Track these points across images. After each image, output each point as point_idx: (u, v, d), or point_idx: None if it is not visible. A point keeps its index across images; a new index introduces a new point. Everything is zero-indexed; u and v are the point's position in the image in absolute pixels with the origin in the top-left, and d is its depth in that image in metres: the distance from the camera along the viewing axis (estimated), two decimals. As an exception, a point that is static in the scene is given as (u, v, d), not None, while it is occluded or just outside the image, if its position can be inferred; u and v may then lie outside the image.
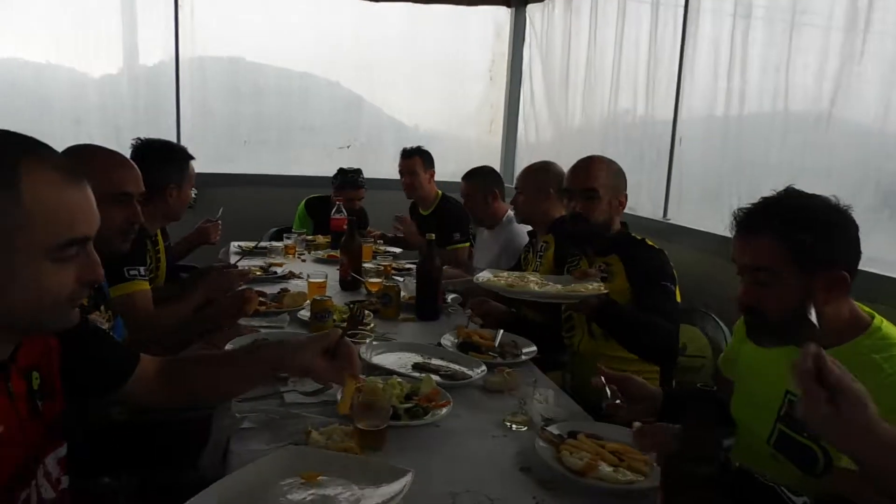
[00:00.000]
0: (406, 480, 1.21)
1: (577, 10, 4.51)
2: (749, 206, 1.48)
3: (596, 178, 2.30)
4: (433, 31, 5.24)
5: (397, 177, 5.11)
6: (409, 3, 5.06)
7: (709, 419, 1.04)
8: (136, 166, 1.96)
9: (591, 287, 2.12)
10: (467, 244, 4.02)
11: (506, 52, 5.37)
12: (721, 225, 2.66)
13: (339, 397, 1.68)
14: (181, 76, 4.92)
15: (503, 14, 5.32)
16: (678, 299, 2.25)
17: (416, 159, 4.12)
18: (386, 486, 1.21)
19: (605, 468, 1.39)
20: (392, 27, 5.17)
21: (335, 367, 1.40)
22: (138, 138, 2.67)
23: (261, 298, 2.50)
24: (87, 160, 1.80)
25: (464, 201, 3.64)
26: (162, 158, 2.60)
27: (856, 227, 1.41)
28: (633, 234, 2.36)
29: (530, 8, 5.14)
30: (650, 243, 2.33)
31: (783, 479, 1.42)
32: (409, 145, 4.27)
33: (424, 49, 5.25)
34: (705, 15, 3.36)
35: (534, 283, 2.24)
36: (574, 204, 2.33)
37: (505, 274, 2.40)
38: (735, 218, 1.48)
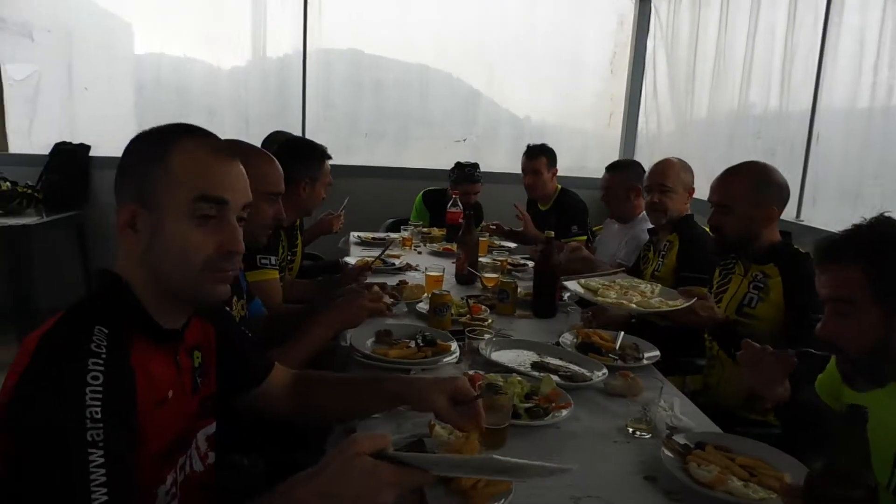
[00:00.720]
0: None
1: (706, 2, 4.33)
2: (836, 234, 1.40)
3: (730, 193, 2.18)
4: (553, 22, 5.18)
5: (513, 171, 5.12)
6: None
7: (862, 439, 0.98)
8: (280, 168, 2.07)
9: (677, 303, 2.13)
10: (584, 238, 3.97)
11: (628, 43, 5.22)
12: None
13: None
14: (307, 69, 5.12)
15: (626, 5, 5.19)
16: None
17: (541, 159, 4.09)
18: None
19: (735, 482, 1.35)
20: (511, 20, 5.15)
21: (461, 413, 1.36)
22: (279, 131, 2.79)
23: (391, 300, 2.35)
24: (250, 159, 1.93)
25: (603, 193, 3.55)
26: (299, 155, 2.71)
27: None
28: (797, 248, 2.18)
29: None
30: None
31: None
32: (525, 139, 4.26)
33: (543, 42, 5.20)
34: (852, 1, 3.14)
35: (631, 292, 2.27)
36: (711, 215, 2.25)
37: (597, 281, 2.40)
38: (818, 247, 1.39)
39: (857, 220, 1.40)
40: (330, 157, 2.89)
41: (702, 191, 3.08)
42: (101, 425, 0.96)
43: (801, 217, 3.29)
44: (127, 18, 5.08)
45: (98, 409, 0.96)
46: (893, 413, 1.33)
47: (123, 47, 5.14)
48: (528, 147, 4.16)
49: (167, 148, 1.12)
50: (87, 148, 4.89)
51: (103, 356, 1.01)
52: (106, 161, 4.83)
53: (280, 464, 1.99)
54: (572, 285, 2.42)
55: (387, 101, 5.36)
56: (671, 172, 2.89)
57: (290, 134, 3.78)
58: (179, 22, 4.95)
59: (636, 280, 2.45)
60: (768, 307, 2.12)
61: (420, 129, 5.45)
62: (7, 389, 1.00)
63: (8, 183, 4.51)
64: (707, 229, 2.81)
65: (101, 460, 0.95)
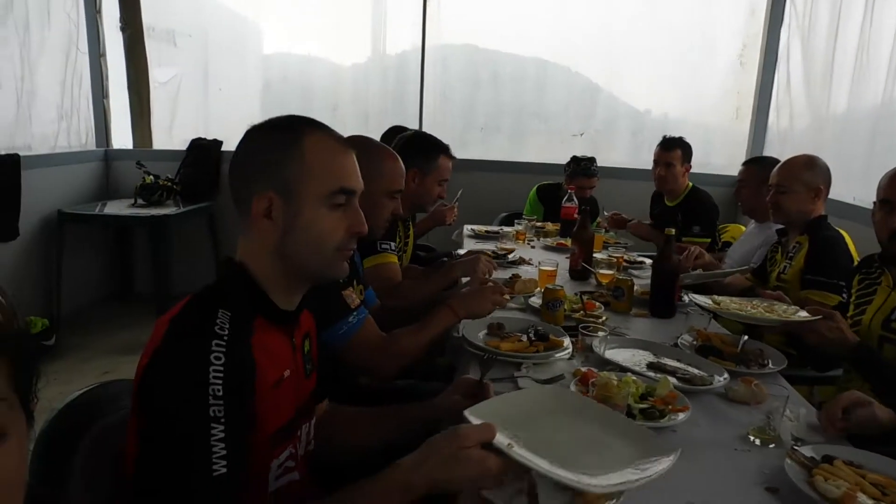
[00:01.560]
0: (671, 460, 1.14)
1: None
2: None
3: None
4: (677, 13, 5.00)
5: (630, 166, 5.00)
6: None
7: None
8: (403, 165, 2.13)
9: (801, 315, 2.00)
10: (707, 240, 3.81)
11: (760, 34, 4.95)
12: None
13: (572, 386, 1.71)
14: (425, 64, 5.21)
15: (759, -7, 4.91)
16: None
17: (676, 152, 3.97)
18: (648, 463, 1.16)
19: (866, 500, 1.26)
20: (632, 10, 5.02)
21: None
22: (395, 127, 2.87)
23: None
24: (377, 156, 2.02)
25: (737, 187, 3.43)
26: (414, 147, 2.77)
27: None
28: None
29: (791, -13, 4.70)
30: None
31: None
32: (645, 134, 4.16)
33: (667, 34, 5.02)
34: None
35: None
36: (883, 216, 2.01)
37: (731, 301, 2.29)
38: None
39: None
40: (450, 155, 2.92)
41: (837, 190, 2.90)
42: (222, 402, 1.03)
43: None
44: (256, 20, 5.38)
45: (220, 387, 1.04)
46: None
47: (253, 48, 5.45)
48: (664, 138, 4.05)
49: (300, 140, 1.21)
50: (220, 143, 5.22)
51: (226, 338, 1.09)
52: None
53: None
54: (701, 299, 2.32)
55: (503, 95, 5.36)
56: (788, 170, 2.71)
57: (407, 128, 3.86)
58: (304, 22, 5.18)
59: (775, 303, 2.28)
60: None
61: (536, 122, 5.42)
62: (140, 370, 1.09)
63: (151, 176, 4.89)
64: (842, 232, 2.64)
65: (222, 435, 1.02)
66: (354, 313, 1.83)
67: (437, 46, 5.21)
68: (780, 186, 2.69)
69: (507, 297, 2.04)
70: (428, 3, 5.10)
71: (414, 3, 5.11)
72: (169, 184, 4.94)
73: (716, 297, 2.31)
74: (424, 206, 2.93)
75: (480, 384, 1.55)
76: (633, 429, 1.28)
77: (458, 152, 5.20)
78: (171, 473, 1.02)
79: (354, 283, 2.08)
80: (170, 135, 5.41)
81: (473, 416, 1.13)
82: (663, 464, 1.13)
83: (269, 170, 1.20)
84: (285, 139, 1.22)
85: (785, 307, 2.14)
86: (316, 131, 1.24)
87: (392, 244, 2.50)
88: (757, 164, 3.37)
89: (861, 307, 2.16)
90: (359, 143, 1.87)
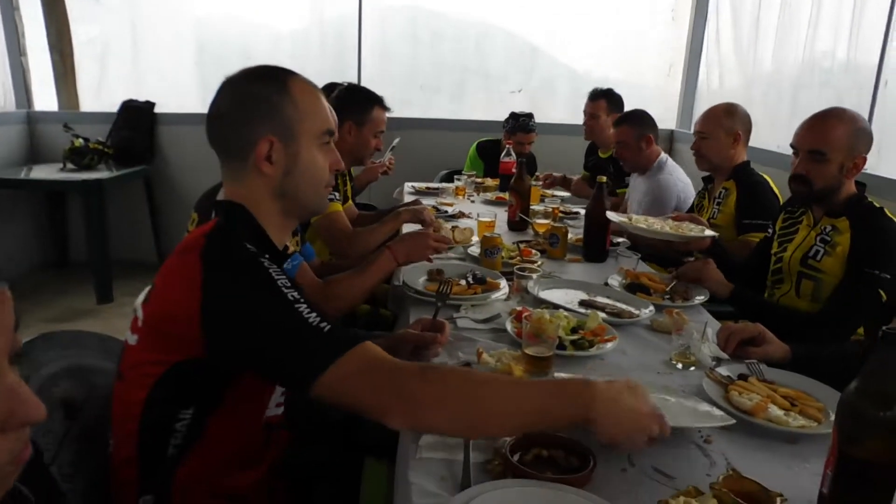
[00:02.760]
0: None
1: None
2: None
3: (827, 138, 2.05)
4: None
5: (568, 121, 5.08)
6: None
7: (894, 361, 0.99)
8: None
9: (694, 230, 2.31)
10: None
11: (690, -11, 5.07)
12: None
13: (508, 326, 1.78)
14: (363, 26, 5.15)
15: (690, -51, 5.01)
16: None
17: (601, 102, 4.07)
18: None
19: (776, 411, 1.37)
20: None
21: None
22: (343, 82, 2.86)
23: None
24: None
25: (616, 148, 3.53)
26: (348, 99, 2.77)
27: None
28: (871, 201, 2.10)
29: (720, -58, 4.80)
30: (889, 215, 2.05)
31: None
32: (583, 91, 4.23)
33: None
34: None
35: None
36: (798, 163, 2.13)
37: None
38: None
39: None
40: (385, 107, 2.93)
41: (764, 139, 3.03)
42: (292, 289, 1.14)
43: (866, 167, 3.18)
44: None
45: (284, 279, 1.15)
46: None
47: (186, 8, 5.26)
48: (592, 90, 4.14)
49: (288, 86, 1.28)
50: (153, 105, 5.08)
51: (266, 257, 1.21)
52: (170, 117, 5.01)
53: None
54: (615, 217, 2.48)
55: (443, 55, 5.36)
56: (708, 118, 2.87)
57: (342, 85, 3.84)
58: None
59: (684, 224, 2.44)
60: (833, 262, 2.07)
61: (476, 81, 5.44)
62: (196, 305, 1.11)
63: (80, 140, 4.73)
64: (766, 177, 2.78)
65: (308, 309, 1.12)
66: (289, 259, 1.83)
67: (376, 8, 5.16)
68: (702, 133, 2.84)
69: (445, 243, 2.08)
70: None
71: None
72: (100, 147, 4.79)
73: (632, 214, 2.51)
74: (362, 158, 2.93)
75: (435, 321, 1.68)
76: None
77: (399, 111, 5.20)
78: (285, 358, 1.10)
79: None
80: (98, 96, 5.22)
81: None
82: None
83: (268, 115, 1.26)
84: (276, 85, 1.27)
85: (692, 226, 2.30)
86: (297, 77, 1.31)
87: (336, 194, 2.52)
88: (629, 121, 3.45)
89: (783, 244, 2.29)
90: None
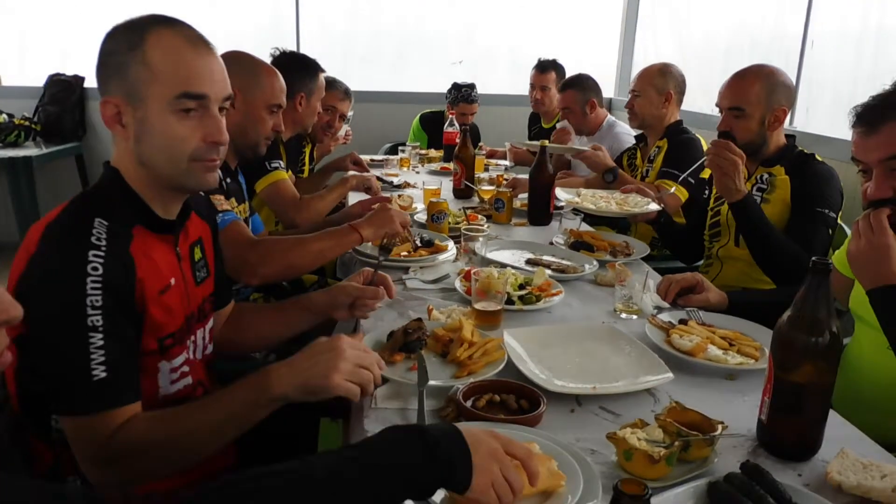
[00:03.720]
0: None
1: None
2: (869, 100, 1.44)
3: (743, 95, 2.13)
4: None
5: (510, 92, 5.12)
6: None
7: (825, 290, 1.05)
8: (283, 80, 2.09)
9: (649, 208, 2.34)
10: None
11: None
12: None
13: (457, 285, 1.80)
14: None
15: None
16: (837, 223, 2.11)
17: (550, 74, 4.11)
18: None
19: (715, 350, 1.43)
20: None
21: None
22: (277, 48, 2.79)
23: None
24: (255, 70, 1.97)
25: (562, 113, 3.59)
26: (295, 68, 2.72)
27: None
28: (801, 149, 2.19)
29: None
30: (819, 159, 2.13)
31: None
32: (524, 62, 4.25)
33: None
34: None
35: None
36: (721, 120, 2.20)
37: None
38: (855, 114, 1.43)
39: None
40: (323, 71, 2.90)
41: (696, 103, 3.10)
42: (100, 312, 1.04)
43: (794, 124, 3.32)
44: None
45: (98, 297, 1.04)
46: None
47: None
48: (539, 61, 4.17)
49: (143, 39, 1.13)
50: (82, 79, 4.88)
51: (103, 248, 1.08)
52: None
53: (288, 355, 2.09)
54: (565, 195, 2.49)
55: (383, 26, 5.31)
56: (641, 77, 2.98)
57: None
58: None
59: (630, 196, 2.48)
60: (773, 208, 2.13)
61: (417, 52, 5.42)
62: (15, 276, 1.08)
63: (4, 115, 4.52)
64: (700, 137, 2.87)
65: (101, 342, 1.04)
66: (220, 214, 1.76)
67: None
68: (635, 91, 2.94)
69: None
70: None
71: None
72: (27, 123, 4.59)
73: (581, 190, 2.54)
74: (308, 126, 2.89)
75: (377, 275, 1.58)
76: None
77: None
78: (52, 380, 1.04)
79: (234, 200, 2.06)
80: (21, 70, 4.98)
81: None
82: None
83: (115, 73, 1.14)
84: (130, 40, 1.14)
85: (638, 199, 2.35)
86: (163, 29, 1.15)
87: (280, 162, 2.48)
88: (574, 86, 3.51)
89: (720, 199, 2.37)
90: (234, 57, 1.83)
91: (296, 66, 2.71)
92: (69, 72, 4.90)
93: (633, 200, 2.40)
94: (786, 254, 1.95)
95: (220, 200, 1.82)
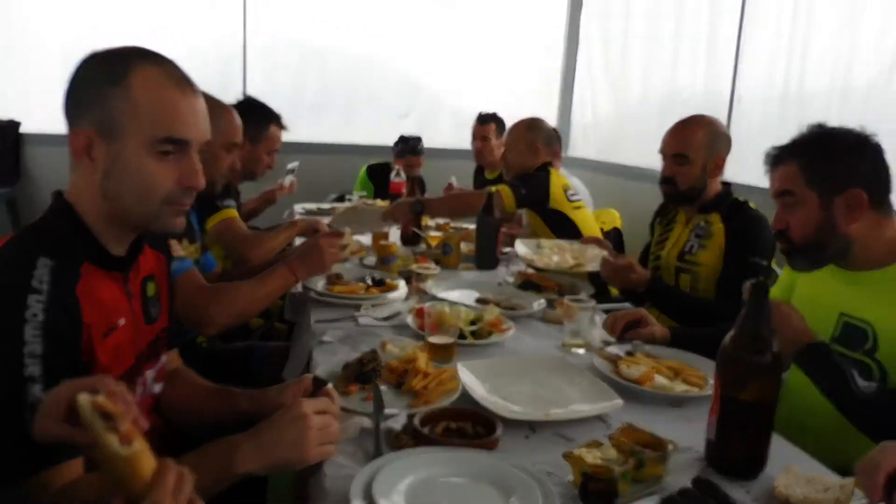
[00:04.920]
0: None
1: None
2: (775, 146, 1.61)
3: (688, 143, 2.23)
4: (495, 2, 5.30)
5: (454, 146, 5.23)
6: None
7: (765, 309, 1.11)
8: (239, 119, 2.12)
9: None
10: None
11: (564, 20, 5.38)
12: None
13: (409, 321, 1.81)
14: (248, 55, 5.12)
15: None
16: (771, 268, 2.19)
17: (490, 125, 4.23)
18: None
19: (662, 379, 1.48)
20: (452, 10, 5.27)
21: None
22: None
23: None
24: (223, 111, 2.03)
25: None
26: (245, 112, 2.73)
27: (875, 150, 1.51)
28: (735, 197, 2.28)
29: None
30: (752, 206, 2.24)
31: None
32: (466, 116, 4.38)
33: (485, 21, 5.31)
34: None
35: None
36: (665, 166, 2.31)
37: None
38: (767, 155, 1.58)
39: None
40: (281, 125, 2.92)
41: (632, 158, 3.22)
42: (39, 360, 0.98)
43: (726, 175, 3.49)
44: None
45: (38, 345, 0.99)
46: (835, 295, 1.58)
47: (52, 19, 4.96)
48: (480, 114, 4.29)
49: (127, 73, 1.09)
50: (17, 124, 4.76)
51: (45, 291, 1.02)
52: (38, 138, 4.71)
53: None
54: (522, 249, 2.58)
55: (331, 82, 5.39)
56: (510, 132, 3.28)
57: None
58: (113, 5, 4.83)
59: (589, 247, 2.57)
60: (709, 254, 2.22)
61: (364, 105, 5.50)
62: None
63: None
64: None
65: (41, 394, 0.96)
66: (175, 261, 1.76)
67: (261, 38, 5.12)
68: (507, 144, 3.25)
69: (344, 243, 2.03)
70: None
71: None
72: (-45, 168, 4.44)
73: (542, 241, 2.63)
74: (254, 174, 2.89)
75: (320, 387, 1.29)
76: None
77: (286, 135, 5.16)
78: None
79: (186, 241, 2.04)
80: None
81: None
82: None
83: (90, 104, 1.10)
84: (112, 72, 1.09)
85: (597, 251, 2.42)
86: (149, 66, 1.11)
87: (232, 201, 2.47)
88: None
89: (661, 244, 2.46)
90: (209, 100, 1.85)
91: (247, 111, 2.73)
92: (3, 116, 4.78)
93: (591, 253, 2.47)
94: (706, 313, 2.06)
95: (175, 245, 1.80)
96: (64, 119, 1.15)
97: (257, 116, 2.81)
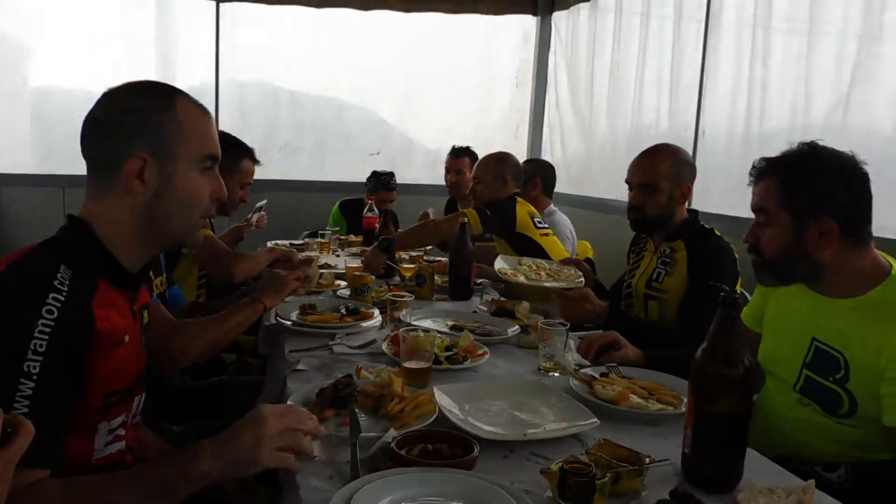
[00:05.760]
0: None
1: (601, 20, 4.66)
2: (760, 160, 1.64)
3: (653, 171, 2.27)
4: (463, 42, 5.40)
5: (427, 182, 5.28)
6: (441, 14, 5.26)
7: (736, 323, 1.14)
8: None
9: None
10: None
11: (532, 58, 5.52)
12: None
13: (384, 348, 1.81)
14: (220, 99, 5.17)
15: (530, 22, 5.47)
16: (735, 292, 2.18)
17: (464, 159, 4.28)
18: None
19: (637, 399, 1.49)
20: (423, 40, 5.35)
21: None
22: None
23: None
24: None
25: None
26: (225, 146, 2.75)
27: (860, 179, 1.50)
28: (701, 224, 2.32)
29: (556, 16, 5.30)
30: (717, 233, 2.27)
31: (809, 426, 1.53)
32: (440, 153, 4.43)
33: (454, 60, 5.41)
34: (727, 26, 3.50)
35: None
36: (632, 195, 2.34)
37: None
38: (754, 166, 1.60)
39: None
40: (254, 159, 2.93)
41: (600, 191, 3.27)
42: (40, 359, 1.01)
43: (693, 204, 3.57)
44: (25, 43, 4.87)
45: (44, 344, 1.02)
46: (808, 318, 1.59)
47: (15, 71, 4.90)
48: (453, 147, 4.34)
49: (174, 103, 1.23)
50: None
51: (64, 293, 1.07)
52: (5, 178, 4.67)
53: (216, 430, 2.02)
54: (501, 264, 2.59)
55: (303, 122, 5.44)
56: (478, 165, 3.40)
57: None
58: (81, 54, 4.81)
59: (565, 267, 2.60)
60: (675, 281, 2.26)
61: (336, 143, 5.54)
62: None
63: None
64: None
65: (29, 392, 1.00)
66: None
67: (233, 85, 5.19)
68: (475, 178, 3.34)
69: (309, 272, 2.08)
70: (221, 40, 5.07)
71: (206, 40, 5.05)
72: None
73: (523, 259, 2.66)
74: (227, 207, 2.88)
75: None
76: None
77: (259, 172, 5.16)
78: None
79: (151, 274, 2.02)
80: None
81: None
82: None
83: (145, 130, 1.19)
84: (161, 101, 1.22)
85: (571, 272, 2.45)
86: (185, 96, 1.26)
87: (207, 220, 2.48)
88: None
89: (632, 272, 2.49)
90: None
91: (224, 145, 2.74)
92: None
93: (566, 273, 2.50)
94: (667, 339, 2.05)
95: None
96: (92, 149, 1.23)
97: (231, 150, 2.81)
